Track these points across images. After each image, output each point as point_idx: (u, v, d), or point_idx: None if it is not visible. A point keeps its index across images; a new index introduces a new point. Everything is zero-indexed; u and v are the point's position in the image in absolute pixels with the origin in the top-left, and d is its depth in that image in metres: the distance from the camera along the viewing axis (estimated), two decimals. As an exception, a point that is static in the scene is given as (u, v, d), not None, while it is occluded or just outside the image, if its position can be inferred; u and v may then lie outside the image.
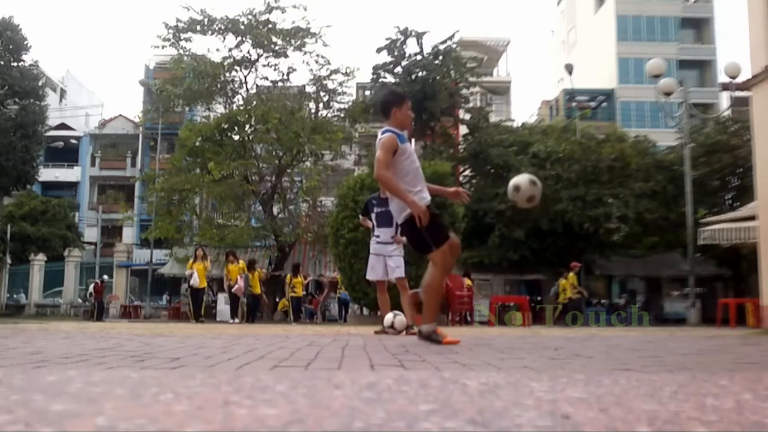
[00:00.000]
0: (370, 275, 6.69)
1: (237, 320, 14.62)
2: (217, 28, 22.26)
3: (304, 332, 6.57)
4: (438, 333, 4.09)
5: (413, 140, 30.00)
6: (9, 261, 28.22)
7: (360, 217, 7.26)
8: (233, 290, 14.86)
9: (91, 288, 22.64)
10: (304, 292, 21.25)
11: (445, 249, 4.12)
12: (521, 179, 4.40)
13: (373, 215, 6.68)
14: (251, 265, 16.20)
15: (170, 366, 2.32)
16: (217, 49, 23.34)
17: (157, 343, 3.89)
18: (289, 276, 17.66)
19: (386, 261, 6.54)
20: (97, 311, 20.89)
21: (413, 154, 4.41)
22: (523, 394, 1.48)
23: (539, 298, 25.33)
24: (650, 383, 1.73)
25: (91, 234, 35.00)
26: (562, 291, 18.14)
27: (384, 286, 6.72)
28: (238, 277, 14.93)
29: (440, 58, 25.10)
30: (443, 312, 15.53)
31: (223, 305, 22.80)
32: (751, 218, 11.61)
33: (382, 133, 4.31)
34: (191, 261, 14.81)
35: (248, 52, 22.58)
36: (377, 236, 6.61)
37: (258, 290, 16.11)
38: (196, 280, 14.27)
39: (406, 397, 1.38)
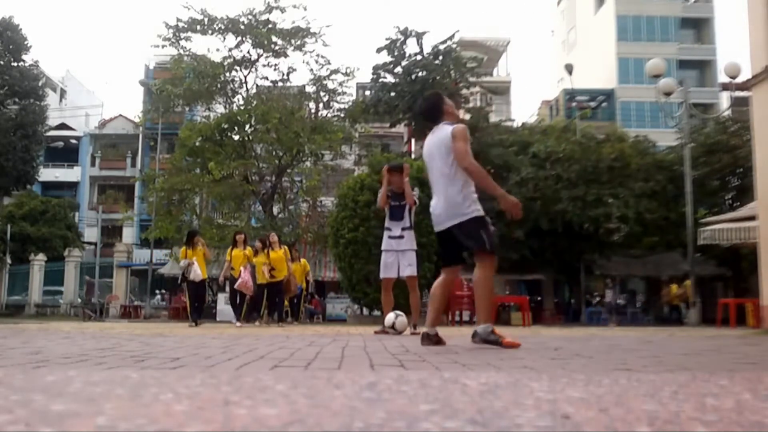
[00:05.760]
0: (384, 273, 6.55)
1: (239, 323, 11.10)
2: (217, 28, 22.30)
3: (304, 332, 6.58)
4: (496, 333, 3.78)
5: (413, 140, 30.08)
6: (9, 261, 28.20)
7: (379, 194, 6.74)
8: (236, 285, 11.58)
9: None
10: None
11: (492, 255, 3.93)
12: None
13: (387, 208, 6.59)
14: (257, 249, 12.11)
15: (170, 366, 2.32)
16: (217, 49, 23.41)
17: (157, 343, 3.89)
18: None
19: (399, 259, 6.48)
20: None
21: None
22: (523, 394, 1.48)
23: (539, 298, 25.36)
24: (650, 383, 1.73)
25: (91, 234, 34.95)
26: None
27: (390, 285, 6.63)
28: (242, 268, 11.57)
29: (440, 58, 25.09)
30: (443, 312, 15.55)
31: (223, 305, 22.69)
32: (751, 218, 11.61)
33: (452, 126, 4.08)
34: (184, 248, 11.38)
35: (248, 52, 22.62)
36: (389, 229, 6.54)
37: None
38: (198, 273, 10.94)
39: (406, 397, 1.38)
